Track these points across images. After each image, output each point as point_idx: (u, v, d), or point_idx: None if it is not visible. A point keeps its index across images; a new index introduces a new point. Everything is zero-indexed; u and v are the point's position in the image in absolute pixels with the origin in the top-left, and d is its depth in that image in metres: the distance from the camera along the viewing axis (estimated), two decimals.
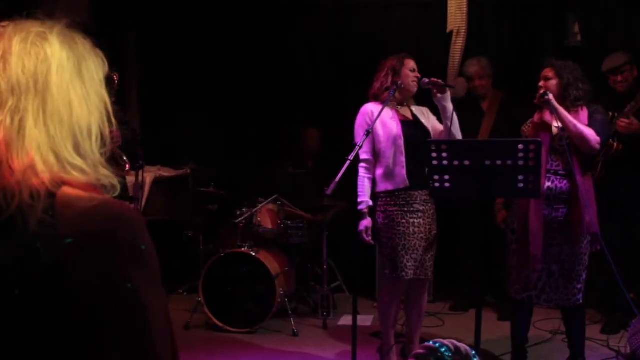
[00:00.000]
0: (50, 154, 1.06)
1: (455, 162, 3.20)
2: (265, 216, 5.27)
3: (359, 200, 3.82)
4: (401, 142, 3.82)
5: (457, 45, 5.67)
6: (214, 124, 6.39)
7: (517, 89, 5.22)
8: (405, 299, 4.14)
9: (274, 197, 5.24)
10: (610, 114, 4.39)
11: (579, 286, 3.76)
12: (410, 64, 3.93)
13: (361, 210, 3.83)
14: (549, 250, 3.74)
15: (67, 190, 1.05)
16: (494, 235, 4.61)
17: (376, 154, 3.88)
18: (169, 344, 1.07)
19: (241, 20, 6.35)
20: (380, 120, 3.78)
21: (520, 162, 3.12)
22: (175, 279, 5.91)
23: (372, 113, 3.82)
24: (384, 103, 3.79)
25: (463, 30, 5.64)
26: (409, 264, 3.79)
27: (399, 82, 3.85)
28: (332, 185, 3.30)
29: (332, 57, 6.39)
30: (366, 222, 3.84)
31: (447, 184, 3.27)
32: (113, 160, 3.76)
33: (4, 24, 1.11)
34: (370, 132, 3.63)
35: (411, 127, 3.92)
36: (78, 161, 1.08)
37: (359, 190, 3.83)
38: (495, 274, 4.87)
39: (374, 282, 5.68)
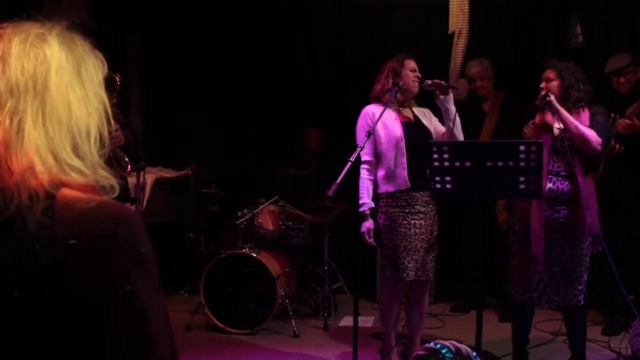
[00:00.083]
0: (49, 155, 1.06)
1: (457, 163, 3.21)
2: (266, 217, 5.27)
3: (361, 202, 3.82)
4: (402, 143, 3.82)
5: (459, 46, 5.67)
6: (215, 125, 6.39)
7: (519, 90, 5.22)
8: (406, 300, 4.14)
9: (275, 198, 5.24)
10: (612, 115, 4.39)
11: (580, 287, 3.75)
12: (411, 64, 3.93)
13: (363, 212, 3.82)
14: (550, 252, 3.73)
15: (66, 191, 1.05)
16: (495, 236, 4.62)
17: (377, 155, 3.88)
18: (169, 345, 1.07)
19: (242, 21, 6.35)
20: (381, 121, 3.78)
21: (522, 164, 3.12)
22: (176, 280, 5.91)
23: (374, 114, 3.82)
24: (386, 104, 3.79)
25: (465, 32, 5.64)
26: (410, 265, 3.78)
27: (400, 83, 3.85)
28: (333, 187, 3.30)
29: (332, 58, 6.40)
30: (368, 224, 3.83)
31: (448, 185, 3.27)
32: (115, 161, 3.76)
33: (3, 25, 1.11)
34: (371, 134, 3.63)
35: (412, 128, 3.92)
36: (77, 162, 1.08)
37: (361, 191, 3.83)
38: (496, 275, 4.87)
39: (374, 283, 5.68)
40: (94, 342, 1.02)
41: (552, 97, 3.69)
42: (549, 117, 3.80)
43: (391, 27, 6.22)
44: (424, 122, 3.97)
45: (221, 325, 4.86)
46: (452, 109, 3.82)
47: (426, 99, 4.06)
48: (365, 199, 3.83)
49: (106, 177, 1.12)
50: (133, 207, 4.48)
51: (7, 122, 1.05)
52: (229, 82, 6.33)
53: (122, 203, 1.09)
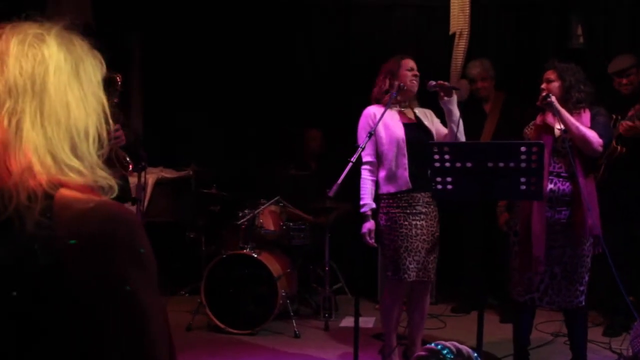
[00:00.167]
0: (48, 155, 1.06)
1: (458, 164, 3.21)
2: (267, 218, 5.28)
3: (362, 202, 3.82)
4: (403, 144, 3.82)
5: (460, 47, 5.66)
6: (215, 125, 6.39)
7: (519, 91, 5.22)
8: (407, 301, 4.13)
9: (276, 198, 5.24)
10: (614, 116, 4.39)
11: (582, 288, 3.75)
12: (408, 63, 3.92)
13: (364, 212, 3.82)
14: (552, 253, 3.73)
15: (64, 192, 1.05)
16: (496, 237, 4.61)
17: (379, 156, 3.88)
18: (167, 345, 1.07)
19: (242, 21, 6.35)
20: (382, 122, 3.78)
21: (523, 165, 3.12)
22: (177, 281, 5.90)
23: (375, 115, 3.82)
24: (386, 105, 3.79)
25: (466, 32, 5.63)
26: (411, 266, 3.78)
27: (401, 84, 3.85)
28: (334, 187, 3.29)
29: (332, 58, 6.40)
30: (369, 225, 3.83)
31: (449, 186, 3.27)
32: (117, 161, 3.76)
33: (2, 25, 1.11)
34: (372, 134, 3.63)
35: (414, 129, 3.91)
36: (75, 163, 1.08)
37: (362, 192, 3.82)
38: (497, 276, 4.86)
39: (375, 283, 5.67)
40: (93, 342, 1.02)
41: (553, 98, 3.69)
42: (549, 118, 3.80)
43: (391, 28, 6.22)
44: (426, 122, 3.96)
45: (222, 326, 4.86)
46: (456, 110, 3.82)
47: (428, 100, 4.06)
48: (367, 200, 3.83)
49: (105, 177, 1.12)
50: (134, 207, 4.48)
51: (6, 122, 1.05)
52: (229, 82, 6.33)
53: (120, 203, 1.09)
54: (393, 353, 4.04)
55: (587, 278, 3.76)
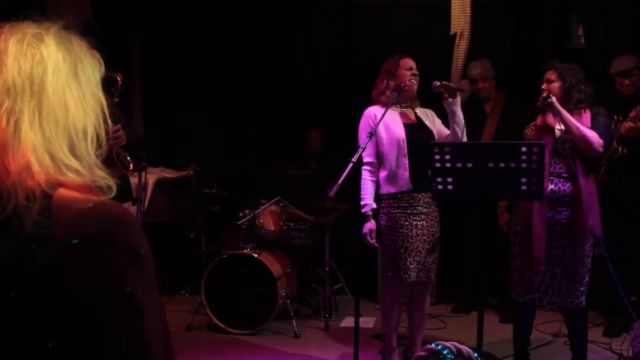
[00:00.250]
0: (46, 155, 1.06)
1: (458, 165, 3.21)
2: (267, 218, 5.28)
3: (362, 203, 3.82)
4: (404, 144, 3.82)
5: (461, 47, 5.66)
6: (215, 125, 6.40)
7: (520, 91, 5.22)
8: (407, 301, 4.13)
9: (276, 198, 5.24)
10: (615, 117, 4.39)
11: (582, 288, 3.75)
12: (407, 63, 3.91)
13: (365, 213, 3.82)
14: (552, 253, 3.73)
15: (62, 191, 1.05)
16: (497, 237, 4.61)
17: (379, 156, 3.88)
18: (165, 346, 1.07)
19: (242, 21, 6.36)
20: (383, 122, 3.78)
21: (523, 165, 3.12)
22: (177, 280, 5.90)
23: (375, 116, 3.82)
24: (387, 105, 3.78)
25: (466, 33, 5.64)
26: (412, 266, 3.78)
27: (402, 84, 3.84)
28: (335, 188, 3.29)
29: (332, 58, 6.40)
30: (370, 225, 3.83)
31: (450, 186, 3.27)
32: (117, 160, 3.76)
33: (1, 25, 1.11)
34: (373, 135, 3.63)
35: (414, 129, 3.91)
36: (73, 162, 1.08)
37: (362, 193, 3.82)
38: (498, 276, 4.86)
39: (376, 284, 5.67)
40: (93, 343, 1.02)
41: (554, 99, 3.69)
42: (550, 119, 3.80)
43: (391, 28, 6.22)
44: (427, 123, 3.96)
45: (222, 326, 4.86)
46: (459, 112, 3.81)
47: (429, 100, 4.06)
48: (367, 200, 3.83)
49: (103, 177, 1.11)
50: (135, 207, 4.48)
51: (4, 122, 1.05)
52: (229, 82, 6.34)
53: (119, 203, 1.09)
54: (393, 353, 4.04)
55: (587, 278, 3.76)
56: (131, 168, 3.92)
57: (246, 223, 5.06)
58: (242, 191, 5.67)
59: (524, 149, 3.12)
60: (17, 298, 1.00)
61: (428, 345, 1.39)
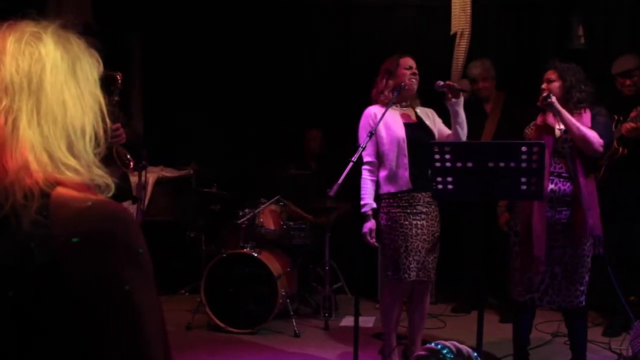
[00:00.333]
0: (44, 154, 1.05)
1: (458, 164, 3.20)
2: (267, 217, 5.28)
3: (362, 202, 3.82)
4: (404, 144, 3.81)
5: (461, 47, 5.66)
6: (215, 125, 6.40)
7: (520, 91, 5.22)
8: (407, 301, 4.14)
9: (276, 198, 5.24)
10: (616, 117, 4.38)
11: (582, 288, 3.75)
12: (407, 62, 3.91)
13: (365, 212, 3.82)
14: (552, 253, 3.73)
15: (61, 190, 1.05)
16: (497, 237, 4.62)
17: (379, 156, 3.88)
18: (162, 346, 1.07)
19: (242, 21, 6.36)
20: (383, 122, 3.78)
21: (523, 165, 3.12)
22: (177, 280, 5.91)
23: (375, 115, 3.82)
24: (387, 105, 3.78)
25: (467, 32, 5.63)
26: (412, 265, 3.78)
27: (402, 84, 3.84)
28: (335, 187, 3.30)
29: (333, 58, 6.40)
30: (370, 224, 3.83)
31: (450, 186, 3.27)
32: (118, 158, 3.76)
33: None
34: (373, 134, 3.63)
35: (414, 129, 3.91)
36: (72, 161, 1.08)
37: (362, 192, 3.82)
38: (498, 276, 4.86)
39: (375, 283, 5.67)
40: (93, 342, 1.02)
41: (554, 98, 3.69)
42: (550, 119, 3.80)
43: (392, 28, 6.22)
44: (427, 122, 3.96)
45: (222, 325, 4.86)
46: (462, 112, 3.81)
47: (430, 99, 4.05)
48: (367, 200, 3.83)
49: (101, 175, 1.11)
50: (135, 206, 4.48)
51: (2, 120, 1.05)
52: (229, 82, 6.34)
53: (117, 202, 1.09)
54: (393, 353, 4.04)
55: (587, 278, 3.76)
56: (131, 167, 3.93)
57: (246, 222, 5.06)
58: (242, 191, 5.67)
59: (524, 148, 3.12)
60: (15, 297, 1.00)
61: (428, 345, 1.39)
